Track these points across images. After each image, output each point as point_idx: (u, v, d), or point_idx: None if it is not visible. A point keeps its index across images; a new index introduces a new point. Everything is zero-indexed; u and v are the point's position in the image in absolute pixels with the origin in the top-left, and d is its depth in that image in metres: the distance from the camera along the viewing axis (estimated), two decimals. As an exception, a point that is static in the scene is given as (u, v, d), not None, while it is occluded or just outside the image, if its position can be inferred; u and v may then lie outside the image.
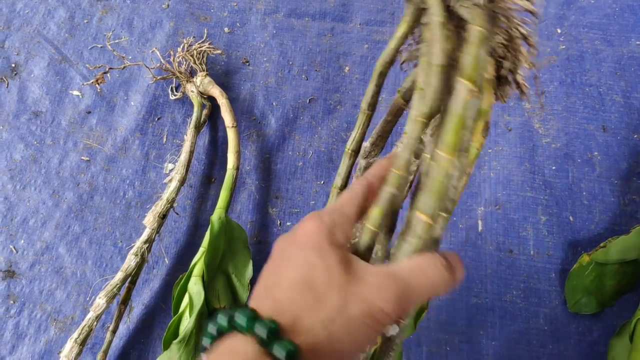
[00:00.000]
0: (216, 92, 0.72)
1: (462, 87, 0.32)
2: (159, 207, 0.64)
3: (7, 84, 0.76)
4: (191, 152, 0.68)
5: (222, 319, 0.31)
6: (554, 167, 0.72)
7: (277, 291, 0.33)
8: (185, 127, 0.74)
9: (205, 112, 0.72)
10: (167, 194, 0.65)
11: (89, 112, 0.75)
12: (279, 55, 0.79)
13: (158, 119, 0.75)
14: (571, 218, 0.69)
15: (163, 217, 0.64)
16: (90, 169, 0.72)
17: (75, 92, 0.76)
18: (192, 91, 0.73)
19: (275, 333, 0.30)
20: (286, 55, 0.79)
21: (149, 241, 0.63)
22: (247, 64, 0.78)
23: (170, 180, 0.66)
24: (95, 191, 0.70)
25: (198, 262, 0.61)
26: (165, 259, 0.67)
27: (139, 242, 0.63)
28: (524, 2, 0.37)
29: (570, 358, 0.63)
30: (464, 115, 0.32)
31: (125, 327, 0.64)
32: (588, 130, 0.74)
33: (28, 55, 0.79)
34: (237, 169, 0.67)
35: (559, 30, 0.80)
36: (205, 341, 0.32)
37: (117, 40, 0.79)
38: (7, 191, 0.70)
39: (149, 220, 0.64)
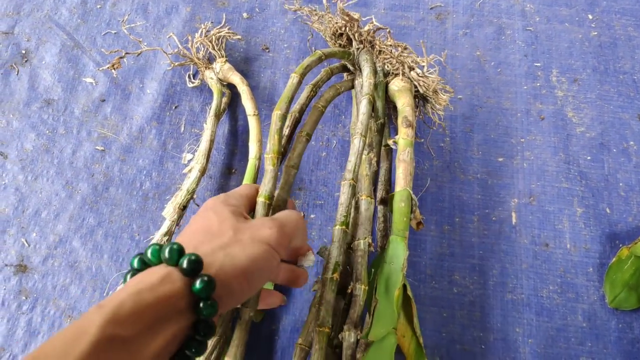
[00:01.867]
0: (236, 79, 0.68)
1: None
2: (179, 198, 0.61)
3: (18, 71, 0.73)
4: (211, 141, 0.64)
5: (152, 251, 0.38)
6: (589, 157, 0.69)
7: (184, 237, 0.43)
8: (204, 116, 0.71)
9: (224, 100, 0.69)
10: (188, 184, 0.62)
11: (103, 100, 0.72)
12: (300, 41, 0.76)
13: (175, 107, 0.71)
14: (608, 210, 0.66)
15: (183, 208, 0.61)
16: (105, 159, 0.68)
17: (89, 80, 0.73)
18: (211, 78, 0.69)
19: (178, 250, 0.37)
20: (307, 41, 0.76)
21: (169, 233, 0.60)
22: (267, 50, 0.75)
23: (190, 171, 0.63)
24: (111, 182, 0.67)
25: None
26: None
27: (158, 235, 0.60)
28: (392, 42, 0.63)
29: (611, 356, 0.60)
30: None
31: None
32: (623, 119, 0.71)
33: (39, 41, 0.75)
34: (260, 158, 0.64)
35: (590, 17, 0.78)
36: (135, 266, 0.38)
37: (131, 26, 0.76)
38: (19, 182, 0.67)
39: (169, 211, 0.61)
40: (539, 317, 0.62)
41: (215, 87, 0.68)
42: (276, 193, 0.55)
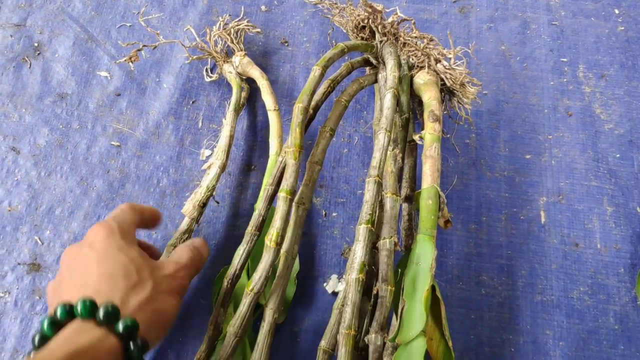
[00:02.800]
0: (256, 73, 0.66)
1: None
2: (198, 195, 0.59)
3: (30, 65, 0.71)
4: (231, 137, 0.62)
5: (61, 309, 0.37)
6: (618, 155, 0.67)
7: (92, 286, 0.40)
8: (222, 111, 0.69)
9: (243, 94, 0.67)
10: (207, 181, 0.60)
11: (119, 95, 0.70)
12: (320, 35, 0.74)
13: (193, 102, 0.70)
14: (639, 209, 0.64)
15: (203, 205, 0.59)
16: (121, 155, 0.66)
17: (103, 73, 0.71)
18: (229, 72, 0.68)
19: (114, 314, 0.37)
20: (328, 35, 0.74)
21: (189, 232, 0.59)
22: (286, 44, 0.73)
23: (210, 167, 0.61)
24: (127, 178, 0.65)
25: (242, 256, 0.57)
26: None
27: (177, 233, 0.58)
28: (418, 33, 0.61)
29: (644, 360, 0.58)
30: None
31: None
32: (652, 116, 0.69)
33: (52, 34, 0.73)
34: (280, 155, 0.62)
35: (616, 11, 0.76)
36: (43, 331, 0.37)
37: (147, 18, 0.74)
38: (31, 178, 0.65)
39: (188, 209, 0.59)
40: (569, 319, 0.60)
41: (234, 81, 0.66)
42: (299, 190, 0.53)
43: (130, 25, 0.74)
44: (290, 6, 0.75)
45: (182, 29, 0.73)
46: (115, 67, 0.71)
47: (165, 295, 0.44)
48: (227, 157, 0.61)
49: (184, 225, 0.58)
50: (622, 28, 0.74)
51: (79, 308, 0.37)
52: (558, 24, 0.75)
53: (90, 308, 0.37)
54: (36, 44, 0.73)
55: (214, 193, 0.60)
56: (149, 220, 0.54)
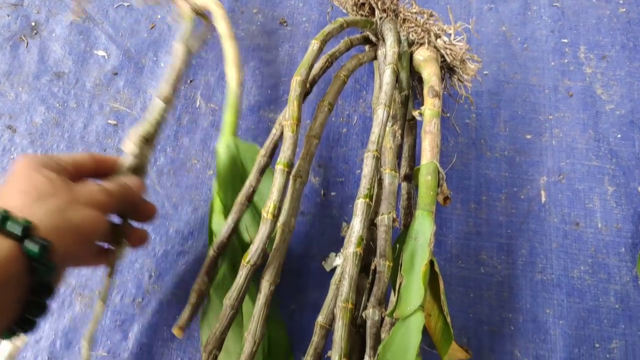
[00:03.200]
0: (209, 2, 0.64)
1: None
2: (139, 128, 0.54)
3: (27, 44, 0.71)
4: (179, 70, 0.58)
5: None
6: (619, 135, 0.66)
7: (7, 199, 0.39)
8: (220, 90, 0.68)
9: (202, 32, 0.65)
10: (150, 115, 0.55)
11: (116, 74, 0.69)
12: (319, 15, 0.73)
13: (190, 81, 0.69)
14: (639, 189, 0.64)
15: (147, 142, 0.54)
16: (118, 134, 0.66)
17: (101, 53, 0.70)
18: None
19: (28, 229, 0.36)
20: (327, 14, 0.73)
21: (136, 172, 0.52)
22: (285, 24, 0.73)
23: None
24: (124, 157, 0.65)
25: (214, 200, 0.56)
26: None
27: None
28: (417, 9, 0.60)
29: (645, 339, 0.57)
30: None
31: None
32: (654, 97, 0.68)
33: (49, 13, 0.73)
34: (241, 85, 0.60)
35: (618, -7, 0.75)
36: None
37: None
38: (28, 156, 0.64)
39: (128, 145, 0.53)
40: (569, 297, 0.59)
41: (185, 12, 0.64)
42: (297, 163, 0.53)
43: (128, 5, 0.73)
44: (289, -14, 0.75)
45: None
46: (112, 46, 0.71)
47: (81, 206, 0.41)
48: (174, 92, 0.57)
49: (124, 161, 0.52)
50: (624, 10, 0.74)
51: None
52: (559, 5, 0.74)
53: (2, 220, 0.36)
54: (33, 23, 0.72)
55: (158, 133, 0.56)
56: (105, 169, 0.50)
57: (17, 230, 0.35)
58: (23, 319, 0.37)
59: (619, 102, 0.68)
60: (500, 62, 0.70)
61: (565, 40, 0.72)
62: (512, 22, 0.73)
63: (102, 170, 0.49)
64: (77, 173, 0.46)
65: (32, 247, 0.35)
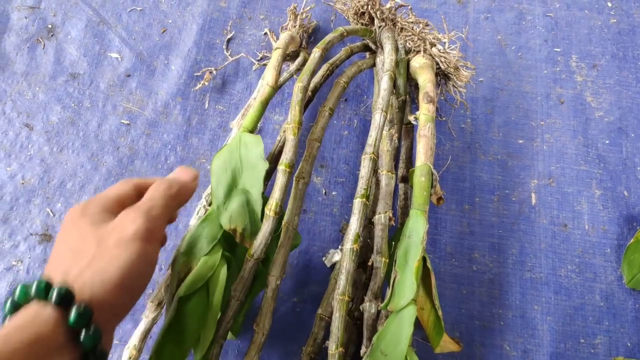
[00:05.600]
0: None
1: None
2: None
3: (44, 45, 0.74)
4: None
5: (19, 291, 0.34)
6: (607, 141, 0.69)
7: (51, 264, 0.38)
8: (228, 93, 0.72)
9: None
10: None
11: (129, 76, 0.73)
12: (323, 22, 0.76)
13: (200, 83, 0.72)
14: (626, 193, 0.67)
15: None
16: (131, 133, 0.69)
17: (114, 55, 0.74)
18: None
19: (66, 295, 0.33)
20: (329, 20, 0.76)
21: None
22: (290, 30, 0.76)
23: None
24: (136, 155, 0.68)
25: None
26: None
27: (204, 194, 0.60)
28: (414, 18, 0.64)
29: (628, 335, 0.61)
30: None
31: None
32: (642, 105, 0.71)
33: (65, 16, 0.76)
34: (275, 88, 0.61)
35: (609, 4, 0.78)
36: (6, 312, 0.34)
37: (156, 3, 0.77)
38: (44, 153, 0.68)
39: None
40: (557, 295, 0.62)
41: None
42: (300, 165, 0.56)
43: (140, 10, 0.77)
44: (293, -5, 0.78)
45: (190, 13, 0.76)
46: (125, 49, 0.74)
47: (114, 249, 0.37)
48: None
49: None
50: (615, 20, 0.77)
51: (16, 294, 0.35)
52: (553, 15, 0.77)
53: (24, 290, 0.34)
54: (50, 26, 0.76)
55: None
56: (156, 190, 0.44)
57: (56, 298, 0.33)
58: None
59: (608, 109, 0.71)
60: (496, 70, 0.73)
61: (558, 50, 0.75)
62: (508, 31, 0.76)
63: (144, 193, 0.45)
64: (121, 207, 0.42)
65: (73, 316, 0.33)
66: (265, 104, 0.60)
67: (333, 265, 0.63)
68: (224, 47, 0.74)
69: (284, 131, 0.60)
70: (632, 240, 0.63)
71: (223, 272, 0.52)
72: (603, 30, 0.76)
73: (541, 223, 0.65)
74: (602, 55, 0.75)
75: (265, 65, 0.72)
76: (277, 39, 0.73)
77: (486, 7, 0.78)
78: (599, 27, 0.76)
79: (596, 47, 0.75)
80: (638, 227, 0.65)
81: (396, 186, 0.62)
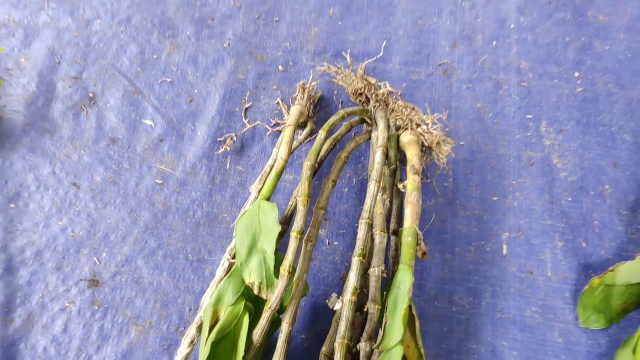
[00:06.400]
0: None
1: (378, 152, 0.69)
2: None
3: (87, 112, 0.87)
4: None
5: None
6: (570, 199, 0.81)
7: None
8: (246, 155, 0.84)
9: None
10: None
11: (161, 140, 0.85)
12: (326, 92, 0.89)
13: (222, 147, 0.85)
14: (584, 244, 0.79)
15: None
16: (164, 191, 0.82)
17: (148, 122, 0.86)
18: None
19: None
20: (333, 91, 0.89)
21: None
22: (299, 98, 0.88)
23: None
24: (168, 210, 0.80)
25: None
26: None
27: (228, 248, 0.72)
28: (403, 103, 0.77)
29: (581, 367, 0.73)
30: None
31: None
32: (600, 166, 0.83)
33: (104, 86, 0.89)
34: (286, 160, 0.71)
35: (576, 74, 0.90)
36: None
37: (184, 75, 0.89)
38: (90, 209, 0.80)
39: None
40: (522, 333, 0.74)
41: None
42: (308, 230, 0.68)
43: (170, 81, 0.89)
44: (303, 67, 0.90)
45: (213, 84, 0.88)
46: (158, 116, 0.86)
47: None
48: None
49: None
50: (581, 89, 0.89)
51: None
52: (526, 85, 0.89)
53: None
54: (91, 95, 0.88)
55: None
56: None
57: None
58: None
59: (572, 170, 0.83)
60: (475, 134, 0.85)
61: (530, 116, 0.87)
62: (486, 99, 0.88)
63: None
64: None
65: None
66: (280, 175, 0.72)
67: (334, 308, 0.75)
68: (243, 115, 0.86)
69: (295, 197, 0.73)
70: (587, 286, 0.75)
71: (245, 319, 0.65)
72: (570, 98, 0.88)
73: (511, 270, 0.77)
74: (568, 121, 0.86)
75: (278, 131, 0.84)
76: (288, 106, 0.85)
77: (468, 78, 0.90)
78: (566, 95, 0.88)
79: (563, 113, 0.87)
80: (593, 275, 0.76)
81: (389, 238, 0.74)
